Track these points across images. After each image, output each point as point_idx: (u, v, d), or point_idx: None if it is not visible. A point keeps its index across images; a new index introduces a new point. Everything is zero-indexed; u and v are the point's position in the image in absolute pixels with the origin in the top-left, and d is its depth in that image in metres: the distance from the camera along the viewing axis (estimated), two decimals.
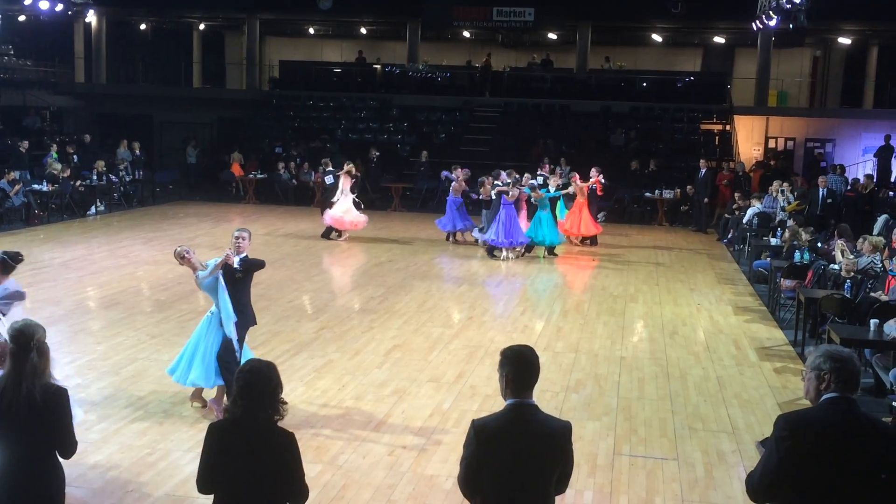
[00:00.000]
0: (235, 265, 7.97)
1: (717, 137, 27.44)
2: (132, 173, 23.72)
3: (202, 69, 35.47)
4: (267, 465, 4.15)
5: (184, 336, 10.70)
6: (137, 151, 25.25)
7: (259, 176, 25.20)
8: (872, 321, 9.21)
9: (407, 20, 30.46)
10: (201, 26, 34.39)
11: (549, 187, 17.79)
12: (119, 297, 12.84)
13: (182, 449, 7.34)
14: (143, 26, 33.90)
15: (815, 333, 11.15)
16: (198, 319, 11.51)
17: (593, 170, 19.44)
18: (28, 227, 19.29)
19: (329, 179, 19.39)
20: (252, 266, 8.22)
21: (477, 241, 18.25)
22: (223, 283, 7.99)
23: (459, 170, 19.21)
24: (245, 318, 8.21)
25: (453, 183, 18.83)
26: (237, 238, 8.16)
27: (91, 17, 30.89)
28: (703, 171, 22.00)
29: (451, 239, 18.91)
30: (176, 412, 8.21)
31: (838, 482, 3.80)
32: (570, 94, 29.16)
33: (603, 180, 19.44)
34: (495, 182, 18.01)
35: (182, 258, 8.11)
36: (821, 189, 19.52)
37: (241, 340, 8.17)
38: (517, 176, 18.42)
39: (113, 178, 22.73)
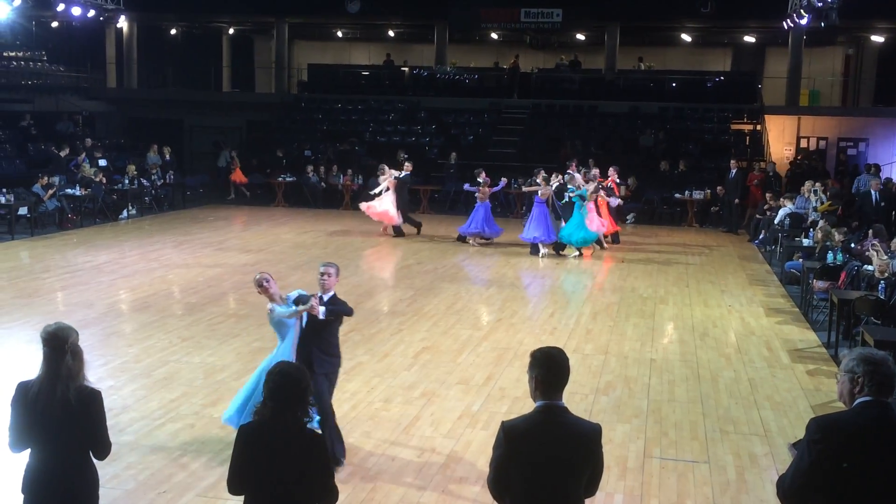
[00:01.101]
0: (321, 315, 7.07)
1: (747, 137, 27.18)
2: (163, 177, 23.94)
3: (231, 73, 35.77)
4: (296, 467, 4.17)
5: (214, 339, 10.82)
6: (168, 156, 25.50)
7: (288, 179, 25.33)
8: None
9: (434, 22, 30.50)
10: (231, 31, 34.70)
11: (583, 188, 17.70)
12: (150, 300, 12.96)
13: (213, 451, 7.39)
14: (173, 31, 34.24)
15: (848, 335, 11.02)
16: (227, 322, 11.66)
17: (611, 169, 19.45)
18: (61, 230, 19.52)
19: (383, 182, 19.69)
20: (340, 313, 7.25)
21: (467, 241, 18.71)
22: (300, 329, 7.27)
23: (483, 175, 19.38)
24: (336, 363, 7.44)
25: (476, 192, 18.98)
26: (322, 275, 7.20)
27: (122, 23, 31.23)
28: (734, 171, 21.82)
29: (471, 241, 18.88)
30: (207, 414, 8.27)
31: (870, 486, 3.75)
32: (598, 95, 29.03)
33: (618, 180, 19.30)
34: (530, 181, 18.22)
35: (261, 286, 7.22)
36: (874, 193, 18.81)
37: (331, 387, 7.40)
38: (545, 175, 18.49)
39: (144, 182, 22.96)
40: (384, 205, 19.45)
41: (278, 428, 4.20)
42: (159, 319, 11.77)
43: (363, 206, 19.72)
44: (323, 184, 25.28)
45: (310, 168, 25.40)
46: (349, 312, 7.33)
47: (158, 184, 23.68)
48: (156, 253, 16.91)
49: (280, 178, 25.30)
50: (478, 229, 18.66)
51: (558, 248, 17.70)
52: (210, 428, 7.91)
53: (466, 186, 19.92)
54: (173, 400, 8.64)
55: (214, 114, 30.56)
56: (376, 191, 19.65)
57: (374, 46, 35.59)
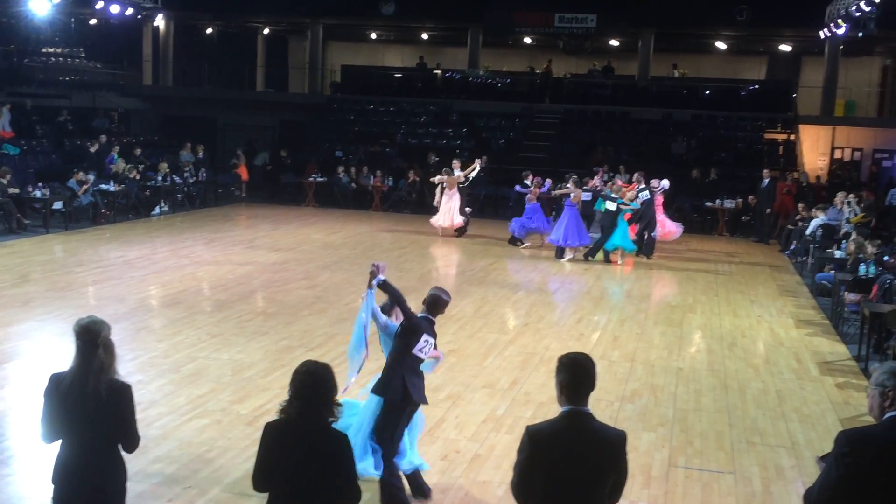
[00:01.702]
0: (373, 284, 6.42)
1: (780, 147, 26.95)
2: (195, 174, 24.17)
3: (265, 73, 36.03)
4: (320, 466, 4.19)
5: (242, 336, 10.90)
6: (200, 154, 25.72)
7: (319, 179, 25.46)
8: None
9: (468, 26, 30.54)
10: (266, 31, 34.97)
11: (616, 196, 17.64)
12: (180, 296, 13.08)
13: (239, 447, 7.45)
14: (209, 30, 34.58)
15: (879, 349, 10.89)
16: (256, 320, 11.74)
17: (637, 174, 19.44)
18: (94, 226, 19.77)
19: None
20: (396, 295, 6.49)
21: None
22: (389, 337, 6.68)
23: (532, 177, 19.64)
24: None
25: (528, 194, 19.17)
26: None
27: (159, 21, 31.61)
28: (767, 180, 21.63)
29: (519, 244, 19.17)
30: (233, 410, 8.34)
31: None
32: (631, 102, 28.94)
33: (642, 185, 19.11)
34: (560, 185, 18.32)
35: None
36: None
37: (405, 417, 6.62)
38: (576, 178, 18.56)
39: (177, 179, 23.19)
40: (451, 213, 19.88)
41: (304, 426, 4.22)
42: (189, 316, 11.88)
43: (439, 223, 20.01)
44: (353, 184, 25.39)
45: (341, 168, 25.52)
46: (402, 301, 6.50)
47: (191, 181, 23.91)
48: (187, 250, 17.07)
49: (311, 178, 25.44)
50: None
51: (591, 253, 17.56)
52: (236, 424, 7.98)
53: (518, 188, 20.08)
54: (201, 396, 8.72)
55: (248, 113, 30.80)
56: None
57: (408, 49, 35.71)
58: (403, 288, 14.45)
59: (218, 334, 11.01)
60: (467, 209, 20.30)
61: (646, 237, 18.41)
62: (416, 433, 6.89)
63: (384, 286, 6.44)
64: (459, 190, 20.00)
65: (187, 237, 18.64)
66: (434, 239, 19.79)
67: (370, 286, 6.52)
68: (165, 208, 22.55)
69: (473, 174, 20.43)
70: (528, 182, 19.57)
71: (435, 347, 6.63)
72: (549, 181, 20.01)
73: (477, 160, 20.93)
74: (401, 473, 6.53)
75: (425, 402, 6.66)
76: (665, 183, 19.04)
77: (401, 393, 6.37)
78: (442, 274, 16.04)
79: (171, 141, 28.62)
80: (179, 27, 33.05)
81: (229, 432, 7.80)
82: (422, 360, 6.53)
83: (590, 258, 17.57)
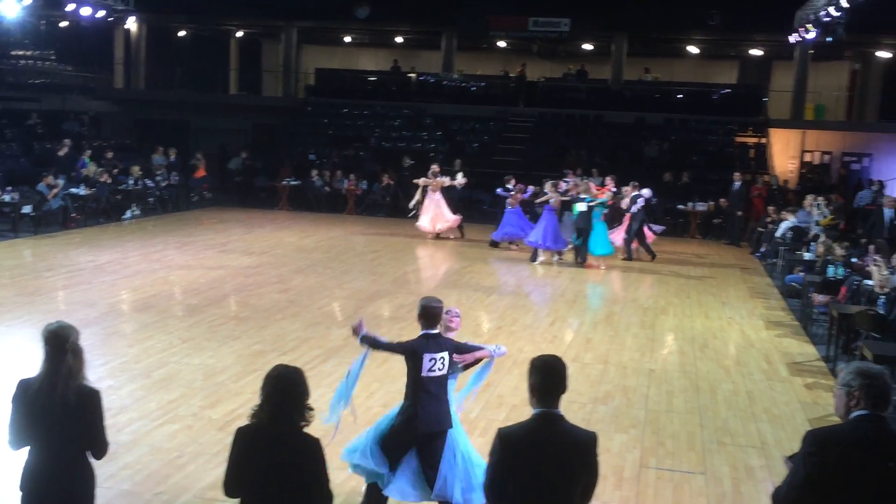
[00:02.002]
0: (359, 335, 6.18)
1: (752, 150, 27.21)
2: (167, 178, 24.00)
3: (239, 76, 35.87)
4: (292, 471, 4.18)
5: (214, 341, 10.84)
6: (172, 157, 25.56)
7: (293, 183, 25.38)
8: None
9: (442, 29, 30.58)
10: (239, 34, 34.82)
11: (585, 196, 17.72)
12: (152, 300, 12.99)
13: (210, 452, 7.40)
14: (181, 33, 34.36)
15: (847, 349, 11.02)
16: (228, 325, 11.68)
17: (608, 178, 19.56)
18: (65, 230, 19.57)
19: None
20: (379, 345, 6.24)
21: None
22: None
23: (514, 182, 19.72)
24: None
25: (508, 198, 19.27)
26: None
27: (131, 24, 31.38)
28: (738, 184, 21.83)
29: (506, 246, 19.38)
30: (205, 415, 8.29)
31: (865, 499, 3.77)
32: (604, 105, 29.10)
33: (613, 189, 19.18)
34: (541, 192, 18.42)
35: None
36: (886, 210, 17.84)
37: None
38: (553, 182, 18.74)
39: (148, 182, 23.02)
40: (442, 216, 20.03)
41: (275, 431, 4.21)
42: (160, 320, 11.80)
43: (423, 227, 20.10)
44: (327, 188, 25.33)
45: (315, 172, 25.45)
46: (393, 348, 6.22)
47: (163, 185, 23.74)
48: (158, 254, 16.95)
49: (285, 182, 25.35)
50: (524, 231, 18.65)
51: (581, 260, 17.60)
52: (208, 429, 7.93)
53: (499, 191, 20.13)
54: (172, 401, 8.66)
55: (221, 116, 30.64)
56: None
57: (382, 52, 35.68)
58: (377, 292, 14.44)
59: (189, 339, 10.94)
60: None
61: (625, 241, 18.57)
62: (458, 466, 6.14)
63: (364, 341, 6.16)
64: (443, 192, 20.10)
65: (159, 241, 18.50)
66: (408, 242, 19.79)
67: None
68: (137, 212, 22.37)
69: (457, 182, 20.59)
70: (509, 186, 19.53)
71: (452, 356, 6.08)
72: (531, 188, 20.13)
73: (459, 173, 21.05)
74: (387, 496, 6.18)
75: (433, 431, 6.06)
76: (646, 191, 18.97)
77: (405, 417, 6.07)
78: (416, 277, 16.04)
79: (142, 144, 28.42)
80: (151, 30, 32.83)
81: (200, 437, 7.75)
82: (439, 380, 6.03)
83: (582, 264, 17.54)
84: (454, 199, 20.91)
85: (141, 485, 6.78)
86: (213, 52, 35.45)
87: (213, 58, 35.31)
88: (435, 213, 20.08)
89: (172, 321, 11.80)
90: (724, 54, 33.61)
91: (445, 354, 6.04)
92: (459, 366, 6.28)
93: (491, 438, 4.26)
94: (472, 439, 7.93)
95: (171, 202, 24.11)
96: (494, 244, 19.34)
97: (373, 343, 6.16)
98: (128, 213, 22.05)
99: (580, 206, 17.38)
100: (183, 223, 21.60)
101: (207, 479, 6.87)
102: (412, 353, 6.04)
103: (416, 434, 6.05)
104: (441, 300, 6.24)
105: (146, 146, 27.28)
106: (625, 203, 18.60)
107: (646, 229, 18.98)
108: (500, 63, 34.07)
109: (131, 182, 22.35)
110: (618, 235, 18.81)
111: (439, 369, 6.02)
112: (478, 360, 6.38)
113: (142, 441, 7.61)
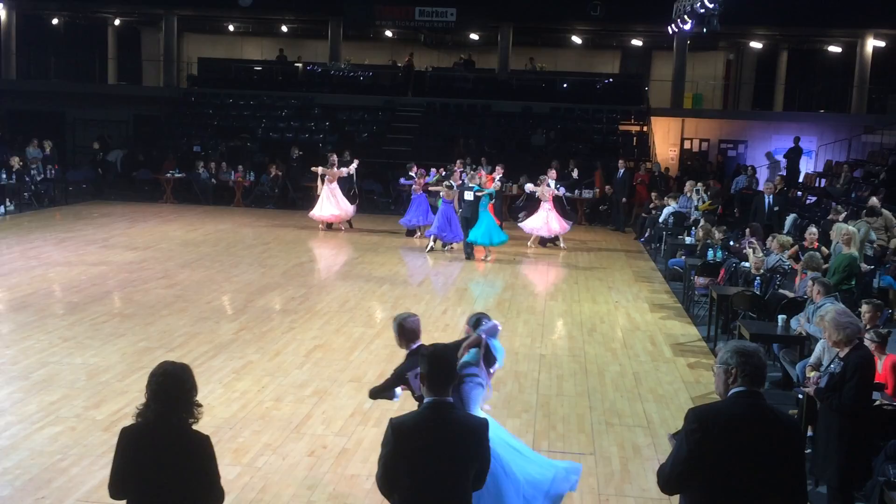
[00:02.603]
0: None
1: (634, 138, 27.96)
2: (43, 172, 23.04)
3: (118, 66, 34.65)
4: (181, 469, 4.10)
5: (97, 339, 10.49)
6: (48, 150, 24.54)
7: (177, 175, 24.72)
8: (780, 317, 9.51)
9: (328, 18, 30.26)
10: (116, 22, 33.55)
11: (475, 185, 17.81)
12: (29, 299, 12.46)
13: (95, 454, 7.17)
14: (55, 21, 32.94)
15: (726, 329, 11.47)
16: (112, 322, 11.32)
17: (498, 167, 19.82)
18: None
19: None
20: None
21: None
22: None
23: (416, 168, 19.90)
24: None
25: (412, 185, 19.48)
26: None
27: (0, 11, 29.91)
28: (622, 171, 22.39)
29: (416, 235, 19.54)
30: (89, 416, 8.01)
31: (744, 473, 3.93)
32: (491, 95, 29.39)
33: (497, 177, 19.32)
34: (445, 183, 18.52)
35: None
36: (767, 196, 17.82)
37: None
38: (444, 172, 18.96)
39: (25, 177, 22.04)
40: (336, 204, 19.92)
41: (163, 429, 4.12)
42: (39, 319, 11.33)
43: (319, 216, 19.98)
44: (213, 180, 24.78)
45: (200, 164, 24.85)
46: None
47: (38, 179, 22.78)
48: (35, 250, 16.26)
49: (168, 174, 24.67)
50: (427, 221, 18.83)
51: (469, 253, 17.66)
52: (92, 430, 7.67)
53: (402, 181, 20.22)
54: (53, 402, 8.34)
55: (99, 107, 29.56)
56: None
57: (267, 41, 35.09)
58: (267, 285, 14.23)
59: (71, 338, 10.55)
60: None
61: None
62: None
63: (376, 395, 6.10)
64: (339, 183, 20.04)
65: (36, 237, 17.75)
66: (298, 233, 19.56)
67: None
68: (11, 207, 21.40)
69: (352, 170, 20.60)
70: (412, 174, 19.77)
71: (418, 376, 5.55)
72: (434, 171, 20.13)
73: (355, 160, 21.00)
74: None
75: None
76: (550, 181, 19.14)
77: None
78: (307, 269, 15.86)
79: (16, 137, 27.17)
80: (22, 17, 31.39)
81: (84, 439, 7.50)
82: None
83: (469, 258, 17.53)
84: (346, 190, 20.83)
85: (21, 490, 6.52)
86: (89, 40, 34.13)
87: (90, 46, 34.00)
88: (329, 203, 19.91)
89: (52, 320, 11.35)
90: (606, 44, 34.38)
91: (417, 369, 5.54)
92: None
93: (384, 429, 4.27)
94: (365, 430, 7.95)
95: (48, 196, 23.16)
96: (411, 233, 19.58)
97: (380, 391, 6.05)
98: (1, 209, 21.08)
99: (467, 195, 17.45)
100: (61, 218, 20.77)
101: (92, 482, 6.66)
102: (399, 379, 5.81)
103: None
104: (416, 314, 5.92)
105: (20, 139, 26.08)
106: (544, 191, 18.70)
107: (559, 222, 19.08)
108: (388, 53, 33.99)
109: (4, 176, 21.34)
110: (558, 223, 18.81)
111: (416, 385, 5.62)
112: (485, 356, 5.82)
113: (21, 445, 7.30)
